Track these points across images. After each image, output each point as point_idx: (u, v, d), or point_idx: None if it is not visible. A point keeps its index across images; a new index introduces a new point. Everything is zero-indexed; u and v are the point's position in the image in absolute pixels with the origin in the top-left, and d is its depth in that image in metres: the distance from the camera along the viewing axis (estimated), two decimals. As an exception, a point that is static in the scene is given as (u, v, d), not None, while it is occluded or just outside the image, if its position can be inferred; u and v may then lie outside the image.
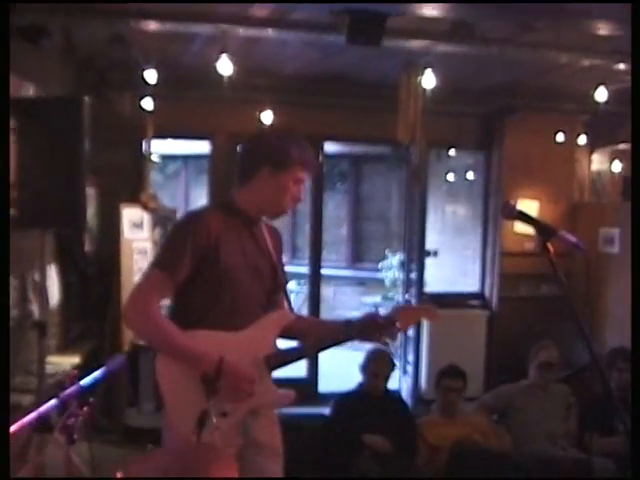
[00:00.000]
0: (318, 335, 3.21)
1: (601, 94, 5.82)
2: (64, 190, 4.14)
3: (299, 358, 3.18)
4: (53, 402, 2.25)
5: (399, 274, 10.92)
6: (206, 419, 2.82)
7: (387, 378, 5.56)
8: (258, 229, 3.21)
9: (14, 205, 4.13)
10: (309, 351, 3.24)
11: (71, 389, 2.32)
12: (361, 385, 5.59)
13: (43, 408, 2.21)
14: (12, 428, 2.02)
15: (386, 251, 12.54)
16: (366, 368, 5.53)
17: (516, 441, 5.64)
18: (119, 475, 1.89)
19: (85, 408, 2.32)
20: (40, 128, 4.12)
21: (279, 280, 3.25)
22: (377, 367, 5.51)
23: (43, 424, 3.70)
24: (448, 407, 5.67)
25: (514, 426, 5.71)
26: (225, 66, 5.10)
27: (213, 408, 2.89)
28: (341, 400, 5.63)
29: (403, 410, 5.64)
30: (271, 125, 3.32)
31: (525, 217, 2.45)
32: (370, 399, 5.47)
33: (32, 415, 2.15)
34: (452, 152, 9.07)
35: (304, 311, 8.04)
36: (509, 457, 5.27)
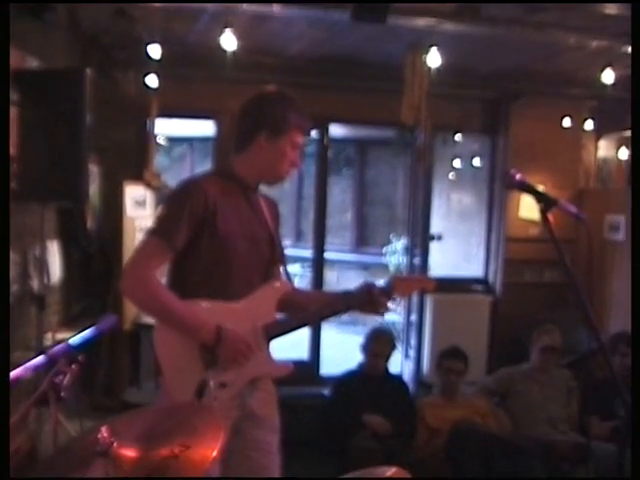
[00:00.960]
0: (316, 306, 3.19)
1: (608, 76, 5.77)
2: (66, 163, 4.12)
3: (297, 328, 3.15)
4: (40, 358, 2.24)
5: (403, 259, 10.89)
6: (204, 389, 2.82)
7: (388, 358, 5.55)
8: (255, 198, 3.18)
9: (14, 178, 4.12)
10: (307, 321, 3.21)
11: (59, 346, 2.30)
12: (361, 365, 5.58)
13: (30, 363, 2.20)
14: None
15: (390, 236, 12.53)
16: (367, 348, 5.52)
17: (516, 424, 5.64)
18: (103, 429, 1.88)
19: (73, 366, 2.30)
20: (42, 100, 4.11)
21: (277, 251, 3.23)
22: (378, 347, 5.50)
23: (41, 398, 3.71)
24: (448, 388, 5.65)
25: (515, 409, 5.70)
26: (229, 41, 5.06)
27: (212, 378, 2.88)
28: (341, 380, 5.62)
29: (403, 391, 5.62)
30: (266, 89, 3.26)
31: (526, 186, 2.42)
32: (370, 379, 5.46)
33: (19, 370, 2.14)
34: (458, 137, 9.05)
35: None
36: (509, 440, 5.25)
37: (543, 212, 2.38)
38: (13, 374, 2.14)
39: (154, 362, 3.00)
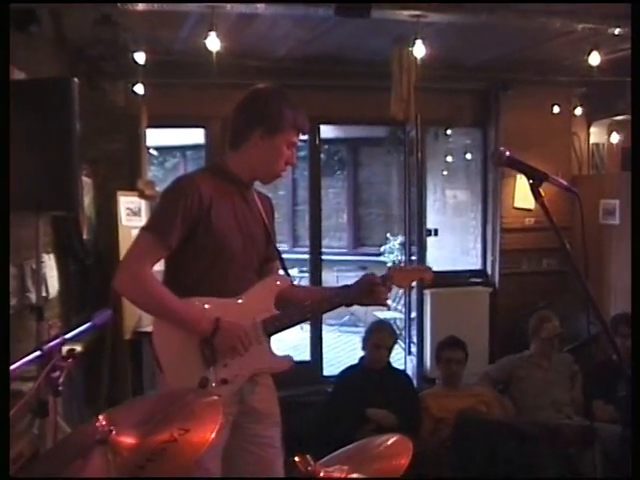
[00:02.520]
0: (315, 300, 3.16)
1: (594, 58, 5.76)
2: (57, 171, 4.11)
3: (297, 322, 3.14)
4: (36, 353, 2.23)
5: (401, 257, 10.91)
6: (206, 386, 2.81)
7: (390, 350, 5.55)
8: (250, 194, 3.17)
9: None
10: (307, 315, 3.17)
11: (55, 341, 2.30)
12: (363, 359, 5.58)
13: (26, 358, 2.19)
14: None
15: (387, 235, 12.55)
16: (368, 340, 5.52)
17: (521, 410, 5.64)
18: (101, 418, 1.87)
19: (70, 360, 2.29)
20: (30, 110, 4.09)
21: (272, 246, 3.23)
22: (378, 338, 5.49)
23: (43, 409, 3.70)
24: (451, 379, 5.66)
25: (518, 396, 5.71)
26: (214, 43, 5.05)
27: (213, 375, 2.88)
28: (343, 374, 5.63)
29: (406, 383, 5.63)
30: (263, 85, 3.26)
31: (515, 162, 2.42)
32: (373, 372, 5.46)
33: (16, 365, 2.14)
34: (449, 131, 9.09)
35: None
36: (514, 426, 5.25)
37: (534, 187, 2.38)
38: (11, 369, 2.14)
39: (153, 360, 3.00)
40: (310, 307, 3.14)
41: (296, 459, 1.97)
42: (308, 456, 1.97)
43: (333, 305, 3.17)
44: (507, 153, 2.43)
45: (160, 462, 1.76)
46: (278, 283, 3.17)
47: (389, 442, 2.10)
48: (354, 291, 3.17)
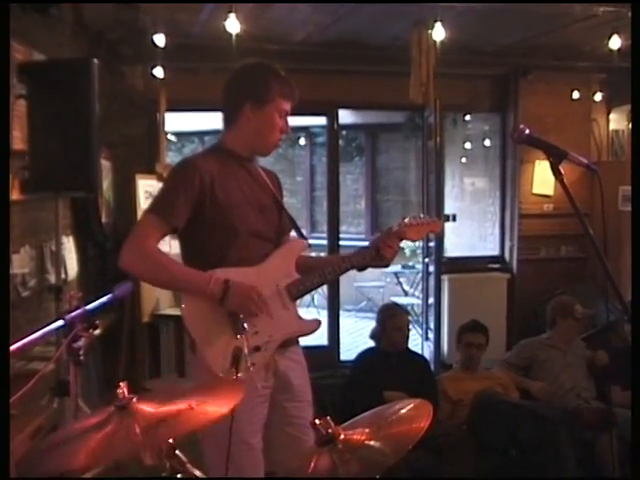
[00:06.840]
0: (335, 262, 3.23)
1: (615, 42, 5.73)
2: (77, 152, 4.13)
3: (320, 284, 3.23)
4: (58, 323, 2.25)
5: (419, 242, 10.88)
6: (240, 355, 2.83)
7: (407, 332, 5.56)
8: (254, 169, 3.23)
9: (27, 170, 4.15)
10: (328, 277, 3.21)
11: (77, 312, 2.32)
12: (380, 341, 5.58)
13: (49, 327, 2.21)
14: (16, 345, 2.02)
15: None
16: (386, 324, 5.51)
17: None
18: (122, 385, 1.89)
19: (91, 330, 2.32)
20: (50, 91, 4.11)
21: (285, 217, 3.28)
22: (400, 320, 5.51)
23: (62, 388, 3.71)
24: (469, 362, 5.67)
25: (539, 379, 5.68)
26: (233, 24, 5.06)
27: (245, 343, 2.90)
28: (362, 356, 5.63)
29: (423, 366, 5.63)
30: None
31: (535, 140, 2.41)
32: (391, 355, 5.46)
33: (37, 334, 2.15)
34: (468, 117, 9.06)
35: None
36: (531, 408, 5.24)
37: (554, 165, 2.37)
38: (30, 338, 2.14)
39: (187, 335, 3.04)
40: (332, 270, 3.20)
41: (317, 421, 1.98)
42: (329, 418, 1.99)
43: (352, 265, 3.22)
44: (527, 131, 2.42)
45: (172, 423, 1.81)
46: (296, 247, 3.25)
47: (409, 406, 2.11)
48: (372, 249, 3.23)
